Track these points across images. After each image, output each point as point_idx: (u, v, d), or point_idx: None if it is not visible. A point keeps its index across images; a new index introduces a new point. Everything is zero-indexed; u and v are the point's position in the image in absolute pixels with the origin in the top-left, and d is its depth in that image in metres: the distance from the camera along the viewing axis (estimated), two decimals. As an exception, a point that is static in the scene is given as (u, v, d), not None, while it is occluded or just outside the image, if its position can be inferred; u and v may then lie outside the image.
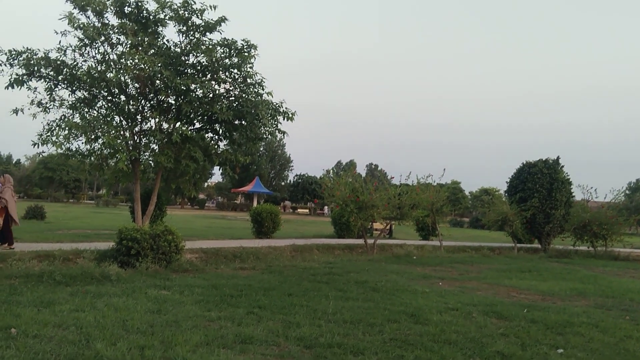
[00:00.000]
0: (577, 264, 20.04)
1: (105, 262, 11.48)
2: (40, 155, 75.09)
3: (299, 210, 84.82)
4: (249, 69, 15.53)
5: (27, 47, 14.15)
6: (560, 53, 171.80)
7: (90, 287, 9.39)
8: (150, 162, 16.35)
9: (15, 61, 14.08)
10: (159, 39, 15.53)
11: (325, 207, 72.88)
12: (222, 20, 15.39)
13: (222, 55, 15.33)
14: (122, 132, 15.07)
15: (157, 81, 14.61)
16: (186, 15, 15.04)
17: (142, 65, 13.61)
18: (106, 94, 15.18)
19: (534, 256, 23.13)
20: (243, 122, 15.76)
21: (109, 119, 15.19)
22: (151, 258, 11.84)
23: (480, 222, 38.87)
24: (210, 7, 15.23)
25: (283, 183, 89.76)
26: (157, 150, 15.55)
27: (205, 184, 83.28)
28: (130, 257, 11.72)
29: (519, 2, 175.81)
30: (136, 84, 14.95)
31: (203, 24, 15.29)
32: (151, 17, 15.14)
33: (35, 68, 14.20)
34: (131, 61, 13.90)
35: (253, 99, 15.54)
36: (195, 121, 16.25)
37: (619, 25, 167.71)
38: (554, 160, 26.52)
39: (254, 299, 8.97)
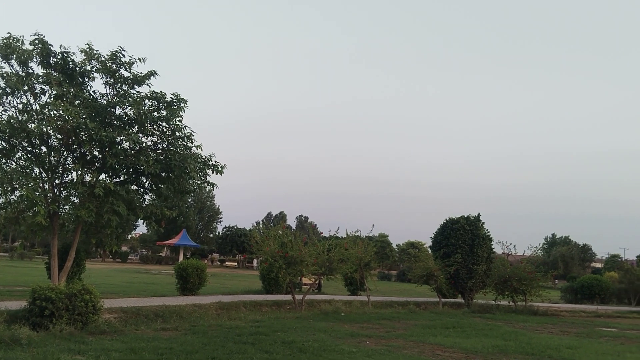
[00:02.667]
0: (499, 320, 20.59)
1: (16, 324, 10.74)
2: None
3: (227, 263, 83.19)
4: (177, 122, 15.45)
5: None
6: (483, 115, 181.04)
7: (-3, 352, 8.74)
8: (70, 215, 15.69)
9: None
10: (85, 90, 15.23)
11: (255, 260, 71.92)
12: (152, 74, 15.34)
13: (151, 108, 15.19)
14: (41, 184, 14.45)
15: (82, 133, 14.21)
16: (114, 67, 14.89)
17: (66, 117, 13.25)
18: (26, 144, 14.60)
19: (457, 311, 23.58)
20: (170, 175, 15.52)
21: (27, 170, 14.57)
22: (66, 319, 11.19)
23: (407, 276, 39.39)
24: (140, 59, 15.19)
25: (211, 235, 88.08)
26: (77, 204, 14.97)
27: (129, 236, 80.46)
28: (43, 318, 11.04)
29: (439, 61, 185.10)
30: (59, 135, 14.49)
31: (131, 77, 15.17)
32: (77, 68, 14.89)
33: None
34: (55, 112, 13.50)
35: (181, 152, 15.41)
36: (120, 173, 15.84)
37: (537, 87, 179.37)
38: (475, 217, 27.51)
39: (176, 363, 8.61)
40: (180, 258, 58.38)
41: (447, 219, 27.91)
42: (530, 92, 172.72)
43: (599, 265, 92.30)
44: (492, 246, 27.75)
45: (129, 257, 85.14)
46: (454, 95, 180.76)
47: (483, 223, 27.60)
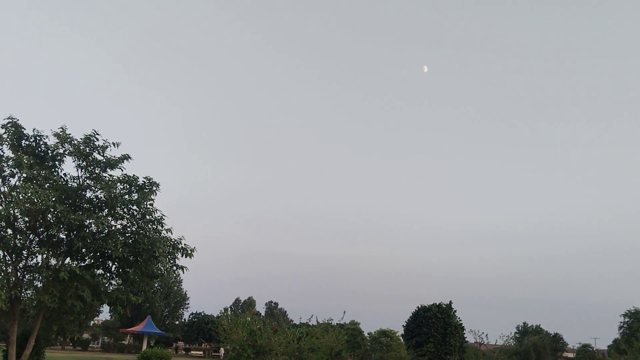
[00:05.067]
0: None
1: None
2: None
3: (192, 352, 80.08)
4: (148, 206, 15.40)
5: None
6: (450, 202, 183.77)
7: None
8: (32, 300, 15.14)
9: None
10: (56, 173, 15.17)
11: (221, 349, 69.45)
12: (125, 157, 15.43)
13: (122, 191, 15.16)
14: (4, 268, 14.03)
15: (49, 215, 14.01)
16: (87, 151, 14.95)
17: (35, 199, 13.09)
18: (-9, 227, 14.28)
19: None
20: (139, 258, 15.25)
21: (-10, 253, 14.18)
22: (20, 412, 10.56)
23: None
24: (114, 144, 15.30)
25: (177, 322, 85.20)
26: (41, 288, 14.48)
27: (91, 323, 77.37)
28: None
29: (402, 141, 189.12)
30: (26, 218, 14.23)
31: (104, 160, 15.23)
32: (50, 151, 14.92)
33: None
34: (23, 195, 13.34)
35: (151, 235, 15.25)
36: (86, 257, 15.51)
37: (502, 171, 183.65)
38: (447, 305, 27.36)
39: None
40: (144, 346, 56.12)
41: (419, 306, 27.69)
42: (497, 180, 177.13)
43: (570, 355, 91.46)
44: (465, 335, 27.44)
45: (90, 345, 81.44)
46: (423, 183, 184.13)
47: (455, 311, 27.42)
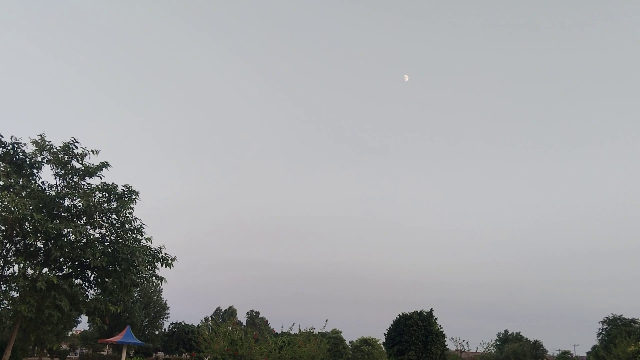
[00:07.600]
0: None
1: None
2: None
3: (172, 362, 79.12)
4: (127, 214, 15.26)
5: None
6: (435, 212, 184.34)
7: None
8: (9, 311, 14.87)
9: None
10: (34, 181, 14.96)
11: (206, 359, 68.72)
12: (104, 165, 15.29)
13: (101, 200, 15.00)
14: (-22, 279, 13.79)
15: (27, 224, 13.81)
16: (66, 159, 14.78)
17: (12, 208, 12.90)
18: (-34, 236, 14.03)
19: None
20: (117, 268, 15.08)
21: (-35, 263, 13.93)
22: None
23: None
24: (93, 151, 15.16)
25: (157, 332, 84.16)
26: (17, 298, 14.25)
27: (69, 333, 76.16)
28: None
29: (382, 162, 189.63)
30: (2, 227, 14.02)
31: (83, 168, 15.06)
32: (27, 159, 14.72)
33: None
34: (0, 203, 13.14)
35: (130, 244, 15.10)
36: (64, 267, 15.30)
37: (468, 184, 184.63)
38: (427, 312, 27.49)
39: None
40: (123, 357, 55.35)
41: (400, 314, 27.81)
42: (479, 191, 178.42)
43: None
44: (446, 343, 27.58)
45: (68, 356, 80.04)
46: (404, 194, 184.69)
47: (436, 319, 27.56)
